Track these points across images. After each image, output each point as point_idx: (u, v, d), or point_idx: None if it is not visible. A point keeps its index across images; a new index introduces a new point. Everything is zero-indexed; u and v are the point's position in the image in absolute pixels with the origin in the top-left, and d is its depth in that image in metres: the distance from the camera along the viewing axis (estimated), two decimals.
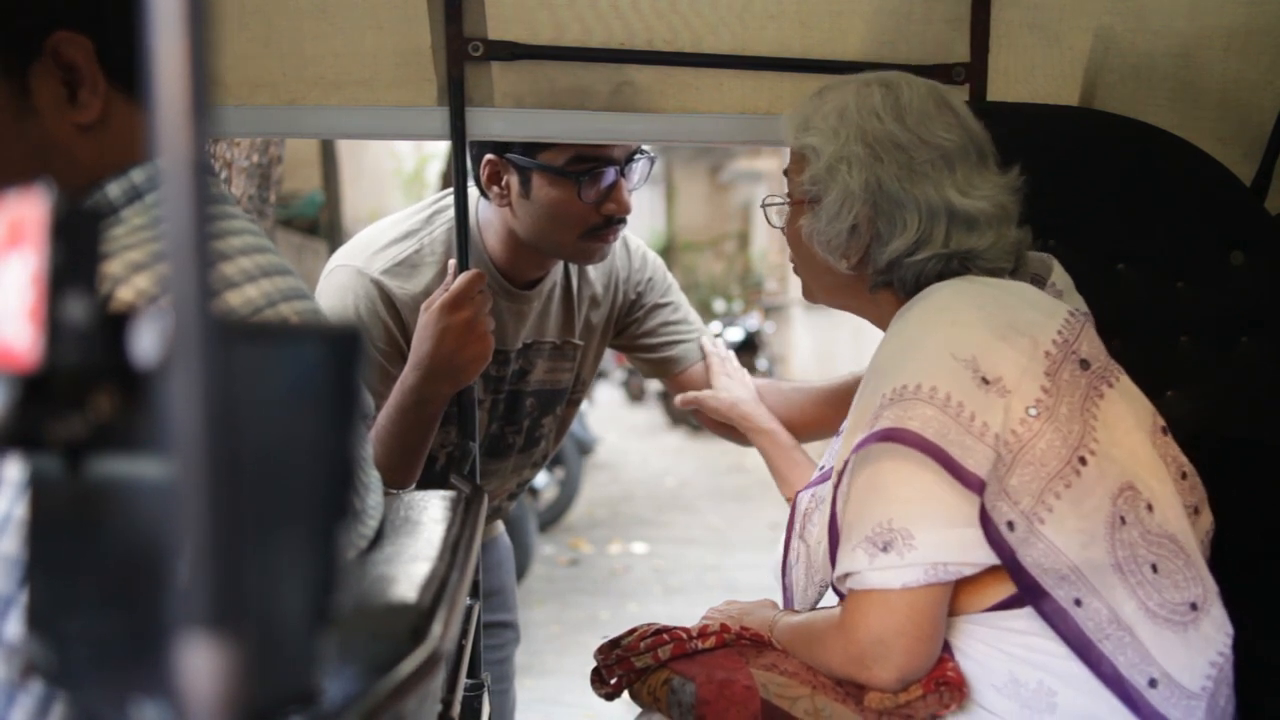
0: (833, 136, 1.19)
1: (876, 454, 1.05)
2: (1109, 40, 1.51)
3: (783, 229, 1.31)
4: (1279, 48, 1.51)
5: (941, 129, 1.17)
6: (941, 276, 1.17)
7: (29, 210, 0.38)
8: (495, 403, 1.67)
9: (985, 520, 1.02)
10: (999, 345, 1.06)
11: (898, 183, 1.16)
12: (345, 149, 6.92)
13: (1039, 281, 1.23)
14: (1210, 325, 1.45)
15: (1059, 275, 1.24)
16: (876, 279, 1.21)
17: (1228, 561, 1.11)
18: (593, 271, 1.73)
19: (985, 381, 1.04)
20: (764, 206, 1.35)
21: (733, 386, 1.71)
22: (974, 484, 1.01)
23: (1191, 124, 1.52)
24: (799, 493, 1.31)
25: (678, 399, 1.76)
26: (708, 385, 1.73)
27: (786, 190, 1.29)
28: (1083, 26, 1.51)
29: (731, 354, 1.79)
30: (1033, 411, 1.04)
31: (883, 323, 1.23)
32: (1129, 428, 1.09)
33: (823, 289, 1.30)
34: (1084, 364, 1.09)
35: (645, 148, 1.58)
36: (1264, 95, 1.52)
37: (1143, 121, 1.49)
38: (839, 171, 1.18)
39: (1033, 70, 1.53)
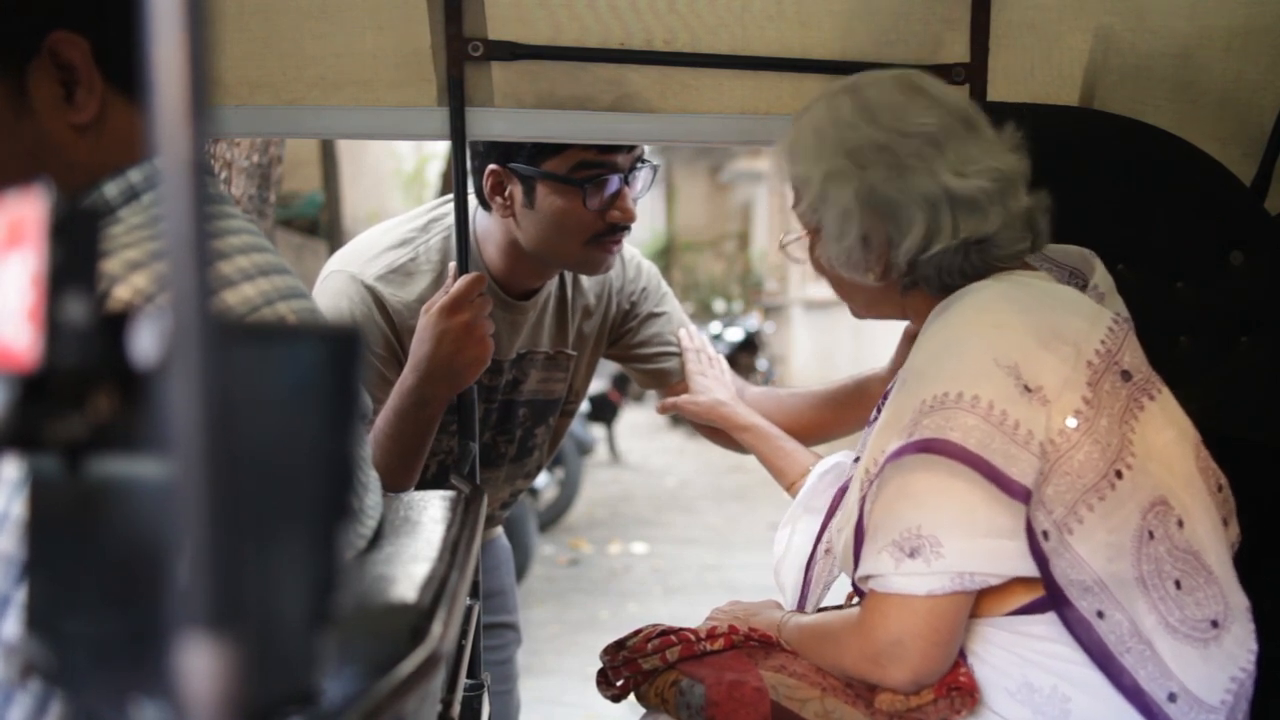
0: (816, 159, 1.19)
1: (913, 463, 1.04)
2: (1108, 40, 1.51)
3: (808, 262, 1.30)
4: (1279, 48, 1.51)
5: (917, 115, 1.15)
6: (964, 271, 1.15)
7: (28, 210, 0.38)
8: (488, 412, 1.66)
9: (1028, 530, 1.01)
10: (1042, 353, 1.04)
11: (889, 184, 1.14)
12: (345, 149, 6.91)
13: (1078, 278, 1.22)
14: (1210, 325, 1.45)
15: (1101, 277, 1.21)
16: (904, 282, 1.20)
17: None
18: (586, 281, 1.72)
19: (1027, 389, 1.02)
20: (782, 246, 1.34)
21: (710, 386, 1.70)
22: (1019, 493, 1.00)
23: (1191, 124, 1.51)
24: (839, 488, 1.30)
25: (657, 406, 1.77)
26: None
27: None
28: (1082, 26, 1.51)
29: (708, 344, 1.79)
30: (1072, 423, 1.02)
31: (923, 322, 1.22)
32: (1168, 441, 1.08)
33: (862, 306, 1.29)
34: (1126, 375, 1.07)
35: (648, 157, 1.58)
36: (1264, 95, 1.52)
37: (1143, 121, 1.49)
38: (829, 191, 1.17)
39: (1032, 70, 1.53)
